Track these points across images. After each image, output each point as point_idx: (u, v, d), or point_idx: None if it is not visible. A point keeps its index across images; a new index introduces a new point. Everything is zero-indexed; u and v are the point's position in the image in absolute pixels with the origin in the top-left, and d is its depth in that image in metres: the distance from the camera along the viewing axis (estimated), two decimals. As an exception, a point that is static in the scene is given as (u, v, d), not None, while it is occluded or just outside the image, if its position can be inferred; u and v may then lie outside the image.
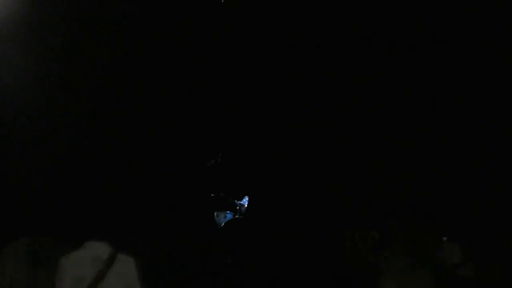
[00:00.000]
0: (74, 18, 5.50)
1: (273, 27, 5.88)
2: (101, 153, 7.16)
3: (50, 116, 6.92)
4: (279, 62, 6.98)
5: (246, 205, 7.17)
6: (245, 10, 5.52)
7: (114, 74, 6.82)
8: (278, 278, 5.53)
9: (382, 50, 6.31)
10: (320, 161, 7.63)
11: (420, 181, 6.64)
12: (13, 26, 5.55)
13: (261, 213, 6.19)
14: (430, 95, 6.73)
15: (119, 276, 2.18)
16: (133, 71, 7.01)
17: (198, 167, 7.16)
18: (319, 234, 5.88)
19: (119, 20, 5.61)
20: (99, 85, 6.84)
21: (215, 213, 7.14)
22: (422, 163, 6.84)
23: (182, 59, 6.81)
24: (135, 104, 7.71)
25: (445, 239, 3.48)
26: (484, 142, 6.02)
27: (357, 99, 7.52)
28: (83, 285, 2.06)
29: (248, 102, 8.14)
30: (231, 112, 8.52)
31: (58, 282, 2.08)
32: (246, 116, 8.55)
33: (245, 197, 7.27)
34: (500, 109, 5.87)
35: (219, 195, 7.06)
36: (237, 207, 7.22)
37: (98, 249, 2.24)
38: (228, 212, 7.23)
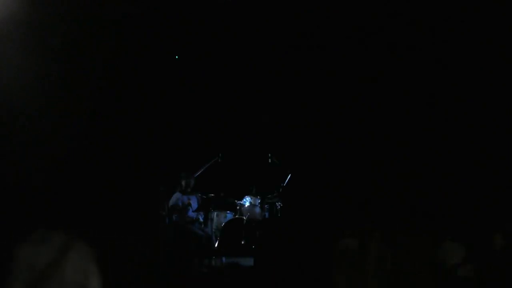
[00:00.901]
0: (74, 18, 5.49)
1: (273, 27, 5.88)
2: (100, 153, 7.16)
3: (50, 116, 6.92)
4: (279, 62, 6.99)
5: (246, 205, 7.17)
6: (245, 10, 5.52)
7: (114, 74, 6.82)
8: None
9: (382, 50, 6.31)
10: (320, 161, 7.63)
11: (420, 181, 6.64)
12: (13, 26, 5.55)
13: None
14: (430, 95, 6.73)
15: (73, 264, 2.17)
16: (133, 71, 7.01)
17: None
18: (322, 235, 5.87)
19: (119, 20, 5.61)
20: (99, 85, 6.84)
21: (215, 213, 7.14)
22: (422, 163, 6.84)
23: (182, 59, 6.81)
24: (135, 104, 7.72)
25: (445, 239, 3.48)
26: (484, 142, 6.01)
27: (357, 99, 7.53)
28: (36, 273, 2.05)
29: (248, 102, 8.15)
30: (231, 112, 8.53)
31: (13, 271, 2.06)
32: (246, 116, 8.55)
33: (245, 197, 7.27)
34: (500, 109, 5.87)
35: (219, 195, 7.06)
36: (237, 207, 7.22)
37: (54, 238, 2.24)
38: (228, 212, 7.23)
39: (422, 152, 6.93)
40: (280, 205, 7.30)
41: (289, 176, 7.29)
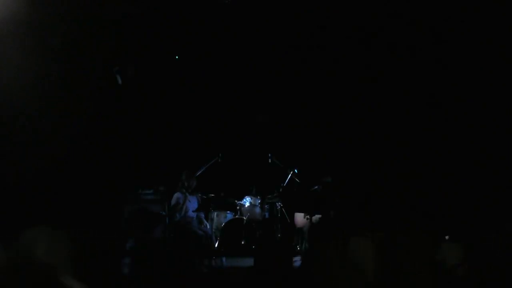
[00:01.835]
0: (74, 18, 5.50)
1: (273, 27, 5.88)
2: (100, 153, 7.16)
3: (50, 116, 6.93)
4: (279, 62, 6.99)
5: (246, 205, 7.16)
6: (245, 10, 5.52)
7: (113, 74, 6.83)
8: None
9: (382, 50, 6.31)
10: (320, 161, 7.64)
11: (420, 181, 6.64)
12: (13, 26, 5.55)
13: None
14: (430, 95, 6.73)
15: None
16: (133, 71, 7.01)
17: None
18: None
19: (119, 20, 5.61)
20: (99, 85, 6.85)
21: (215, 213, 7.14)
22: (422, 163, 6.84)
23: (182, 59, 6.81)
24: (135, 104, 7.72)
25: (445, 239, 3.49)
26: (484, 142, 6.02)
27: (356, 99, 7.53)
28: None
29: (248, 102, 8.15)
30: (231, 112, 8.54)
31: None
32: (246, 116, 8.56)
33: (245, 197, 7.27)
34: (500, 109, 5.87)
35: (219, 195, 7.06)
36: (237, 207, 7.21)
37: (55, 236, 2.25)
38: (228, 212, 7.22)
39: (422, 152, 6.94)
40: (280, 205, 7.30)
41: (289, 176, 7.29)
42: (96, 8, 5.30)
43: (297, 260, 6.56)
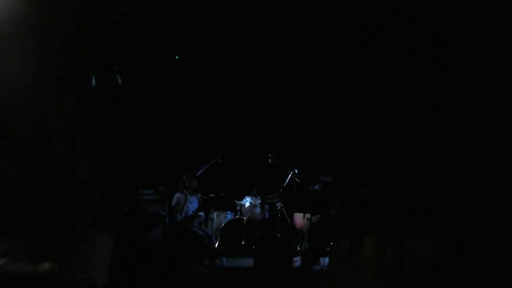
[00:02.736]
0: (74, 18, 5.50)
1: (273, 27, 5.88)
2: (100, 153, 7.17)
3: (50, 116, 6.93)
4: (279, 63, 6.99)
5: (246, 205, 7.16)
6: (245, 10, 5.52)
7: (113, 74, 6.84)
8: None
9: (382, 50, 6.31)
10: (320, 161, 7.64)
11: (420, 181, 6.64)
12: (13, 26, 5.55)
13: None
14: (430, 95, 6.73)
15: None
16: (133, 71, 7.02)
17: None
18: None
19: (119, 20, 5.61)
20: (99, 85, 6.85)
21: (215, 213, 7.14)
22: (422, 163, 6.84)
23: (182, 59, 6.81)
24: (135, 104, 7.73)
25: (444, 239, 3.48)
26: (484, 142, 6.01)
27: (356, 99, 7.54)
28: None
29: (248, 102, 8.16)
30: (231, 113, 8.54)
31: None
32: (246, 116, 8.56)
33: (245, 197, 7.27)
34: (500, 109, 5.87)
35: (219, 195, 7.06)
36: (237, 207, 7.21)
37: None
38: (228, 212, 7.22)
39: (422, 152, 6.94)
40: (280, 205, 7.30)
41: (289, 176, 7.29)
42: (96, 8, 5.30)
43: (297, 260, 6.57)
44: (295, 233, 7.20)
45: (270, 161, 7.61)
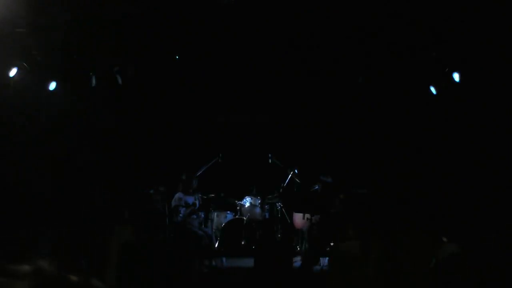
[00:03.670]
0: (74, 18, 5.50)
1: (273, 27, 5.88)
2: (100, 153, 7.17)
3: (50, 116, 6.93)
4: (279, 63, 6.98)
5: (246, 205, 7.16)
6: (245, 10, 5.51)
7: (114, 75, 6.83)
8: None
9: (382, 50, 6.31)
10: (320, 161, 7.64)
11: (420, 181, 6.64)
12: (13, 26, 5.56)
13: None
14: (430, 95, 6.73)
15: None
16: (133, 71, 7.01)
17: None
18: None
19: (119, 20, 5.61)
20: (99, 86, 6.85)
21: (215, 213, 7.14)
22: (422, 163, 6.84)
23: (182, 59, 6.81)
24: (135, 104, 7.73)
25: (444, 239, 3.48)
26: (484, 142, 6.01)
27: (357, 99, 7.53)
28: None
29: (248, 102, 8.15)
30: (231, 113, 8.53)
31: None
32: (246, 116, 8.55)
33: (245, 197, 7.26)
34: (500, 109, 5.87)
35: (219, 195, 7.05)
36: (237, 207, 7.21)
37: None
38: (228, 212, 7.22)
39: (422, 153, 6.94)
40: (280, 205, 7.29)
41: (289, 176, 7.29)
42: (96, 8, 5.30)
43: (297, 260, 6.57)
44: (295, 233, 7.20)
45: (270, 161, 7.60)
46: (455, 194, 5.91)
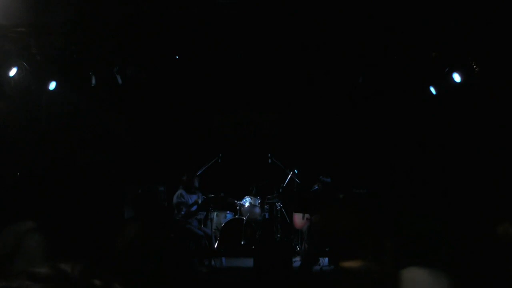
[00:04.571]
0: (74, 18, 5.50)
1: (273, 27, 5.88)
2: (100, 153, 7.17)
3: (51, 116, 6.94)
4: (280, 63, 6.98)
5: (246, 205, 7.16)
6: (245, 10, 5.51)
7: (114, 74, 6.84)
8: None
9: (382, 50, 6.31)
10: (320, 161, 7.64)
11: (420, 181, 6.64)
12: (13, 26, 5.56)
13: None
14: (430, 95, 6.74)
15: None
16: (133, 71, 7.01)
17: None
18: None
19: (119, 20, 5.61)
20: (100, 85, 6.86)
21: (215, 213, 7.14)
22: (422, 163, 6.84)
23: (182, 59, 6.81)
24: (135, 104, 7.73)
25: (443, 238, 3.48)
26: (484, 142, 6.01)
27: (357, 99, 7.53)
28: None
29: (248, 102, 8.16)
30: (231, 112, 8.54)
31: None
32: (246, 116, 8.56)
33: (245, 197, 7.26)
34: (500, 109, 5.87)
35: (219, 195, 7.05)
36: (237, 207, 7.21)
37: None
38: (228, 212, 7.22)
39: (422, 153, 6.94)
40: (280, 205, 7.30)
41: (289, 176, 7.29)
42: (96, 8, 5.30)
43: (297, 260, 6.57)
44: (294, 233, 7.20)
45: (270, 161, 7.60)
46: (455, 194, 5.92)
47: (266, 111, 8.48)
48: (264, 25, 5.82)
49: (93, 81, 6.72)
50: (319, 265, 6.16)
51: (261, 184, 7.43)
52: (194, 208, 6.50)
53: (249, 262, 5.97)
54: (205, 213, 7.09)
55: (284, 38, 6.15)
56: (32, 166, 6.37)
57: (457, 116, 6.41)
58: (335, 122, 7.93)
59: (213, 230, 6.94)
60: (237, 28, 5.92)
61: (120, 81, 6.82)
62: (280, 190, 7.31)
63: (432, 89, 6.68)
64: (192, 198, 6.62)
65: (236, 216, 7.08)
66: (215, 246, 6.70)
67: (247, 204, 7.16)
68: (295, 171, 7.32)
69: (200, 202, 6.69)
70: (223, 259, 6.69)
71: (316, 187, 6.65)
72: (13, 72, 6.01)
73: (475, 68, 5.79)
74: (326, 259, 6.18)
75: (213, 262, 6.48)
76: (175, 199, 6.54)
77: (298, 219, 6.71)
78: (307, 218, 6.22)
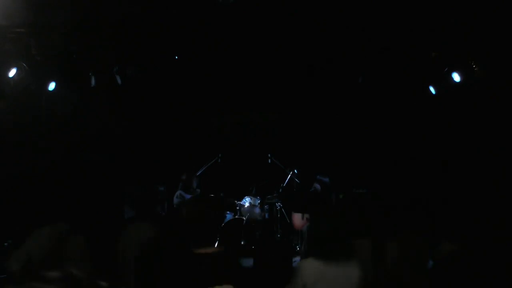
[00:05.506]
0: (74, 18, 5.50)
1: (272, 27, 5.88)
2: (100, 153, 7.17)
3: (51, 116, 6.93)
4: (280, 63, 6.99)
5: (246, 206, 7.16)
6: (244, 10, 5.52)
7: (113, 74, 6.84)
8: None
9: (383, 51, 6.31)
10: (319, 161, 7.64)
11: (420, 181, 6.64)
12: (13, 26, 5.56)
13: None
14: (430, 95, 6.73)
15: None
16: (133, 71, 7.01)
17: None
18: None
19: (119, 20, 5.61)
20: (99, 85, 6.85)
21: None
22: (422, 164, 6.84)
23: (182, 59, 6.81)
24: (135, 104, 7.73)
25: (445, 239, 3.48)
26: (484, 142, 6.01)
27: (356, 99, 7.53)
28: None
29: (248, 102, 8.16)
30: (231, 112, 8.54)
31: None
32: (246, 116, 8.56)
33: (245, 197, 7.27)
34: (500, 109, 5.87)
35: (219, 195, 7.05)
36: (237, 208, 7.21)
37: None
38: (228, 212, 7.22)
39: (421, 153, 6.94)
40: (280, 205, 7.30)
41: (289, 176, 7.29)
42: (96, 8, 5.30)
43: (297, 260, 6.56)
44: (294, 233, 7.20)
45: (270, 161, 7.61)
46: (455, 194, 5.92)
47: (266, 111, 8.47)
48: (264, 25, 5.82)
49: (93, 81, 6.72)
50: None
51: (261, 184, 7.43)
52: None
53: (249, 262, 5.97)
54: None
55: (284, 38, 6.15)
56: (32, 166, 6.36)
57: (456, 116, 6.41)
58: (335, 122, 7.93)
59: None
60: (237, 28, 5.92)
61: (119, 81, 6.82)
62: (280, 190, 7.32)
63: (432, 89, 6.67)
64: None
65: (236, 216, 7.08)
66: (215, 246, 6.70)
67: (247, 204, 7.17)
68: (295, 171, 7.32)
69: None
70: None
71: (316, 187, 6.65)
72: (12, 72, 6.00)
73: (475, 68, 5.79)
74: None
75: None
76: (175, 200, 6.56)
77: (297, 219, 6.71)
78: (306, 218, 6.22)
